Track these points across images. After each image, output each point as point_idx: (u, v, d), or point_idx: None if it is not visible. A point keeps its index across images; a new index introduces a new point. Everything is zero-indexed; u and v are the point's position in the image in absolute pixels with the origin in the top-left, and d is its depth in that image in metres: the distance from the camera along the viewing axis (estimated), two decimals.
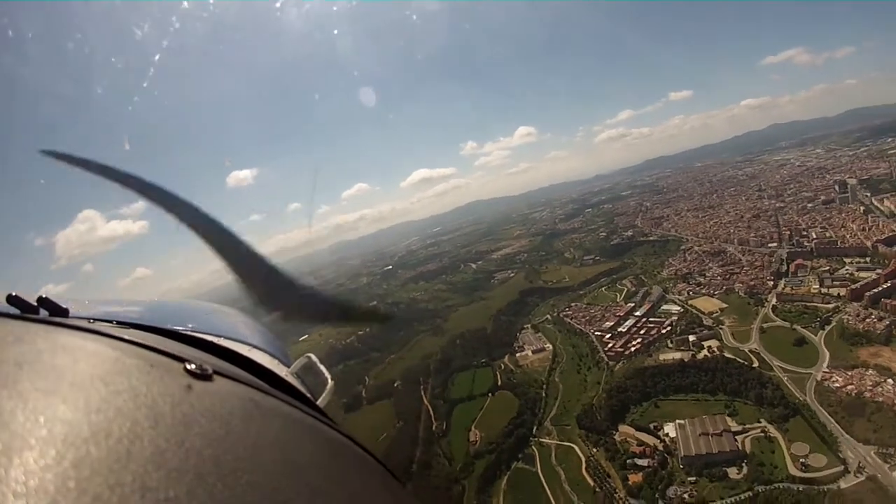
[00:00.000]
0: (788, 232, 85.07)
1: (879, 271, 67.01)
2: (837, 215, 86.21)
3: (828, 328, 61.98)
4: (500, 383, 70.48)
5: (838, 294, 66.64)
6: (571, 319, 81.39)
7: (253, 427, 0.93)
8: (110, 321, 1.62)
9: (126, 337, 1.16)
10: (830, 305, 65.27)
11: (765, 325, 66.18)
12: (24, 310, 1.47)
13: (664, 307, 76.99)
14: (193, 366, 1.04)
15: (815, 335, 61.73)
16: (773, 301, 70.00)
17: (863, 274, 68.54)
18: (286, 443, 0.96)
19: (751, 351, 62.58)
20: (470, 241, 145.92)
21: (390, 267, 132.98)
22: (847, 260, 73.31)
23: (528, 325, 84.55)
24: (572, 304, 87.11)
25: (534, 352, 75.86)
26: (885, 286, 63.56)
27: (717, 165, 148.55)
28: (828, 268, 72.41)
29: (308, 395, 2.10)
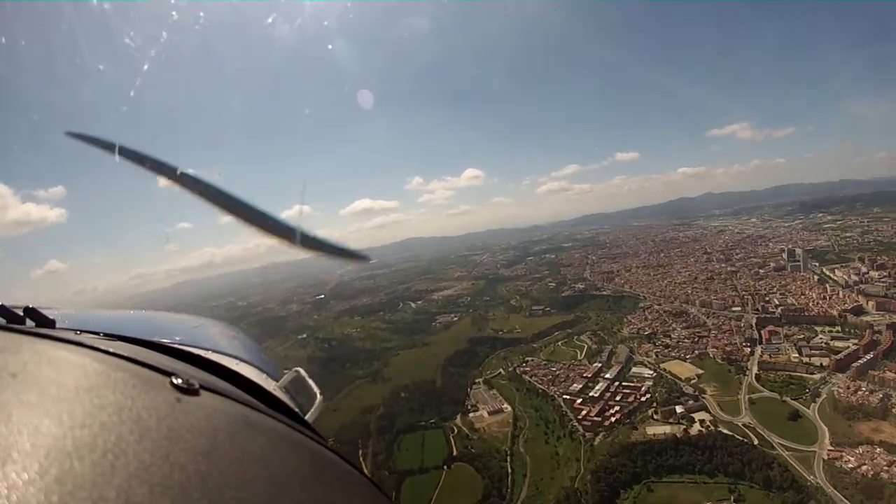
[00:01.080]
0: (750, 297, 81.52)
1: (854, 342, 65.14)
2: (793, 282, 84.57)
3: (819, 400, 57.58)
4: (455, 452, 57.72)
5: (821, 364, 62.89)
6: (530, 377, 70.88)
7: (239, 442, 0.90)
8: (97, 333, 1.53)
9: (112, 350, 1.12)
10: (816, 376, 61.18)
11: (753, 396, 59.47)
12: (9, 320, 1.46)
13: (634, 370, 68.70)
14: (180, 380, 1.02)
15: (808, 408, 56.84)
16: (755, 369, 63.86)
17: (838, 343, 66.05)
18: (273, 458, 0.92)
19: (745, 425, 55.98)
20: (408, 277, 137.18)
21: (323, 296, 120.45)
22: (818, 328, 70.04)
23: (480, 380, 73.42)
24: (528, 359, 77.11)
25: (490, 413, 64.37)
26: (867, 358, 61.04)
27: (654, 226, 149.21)
28: (802, 336, 68.54)
29: (296, 410, 2.04)
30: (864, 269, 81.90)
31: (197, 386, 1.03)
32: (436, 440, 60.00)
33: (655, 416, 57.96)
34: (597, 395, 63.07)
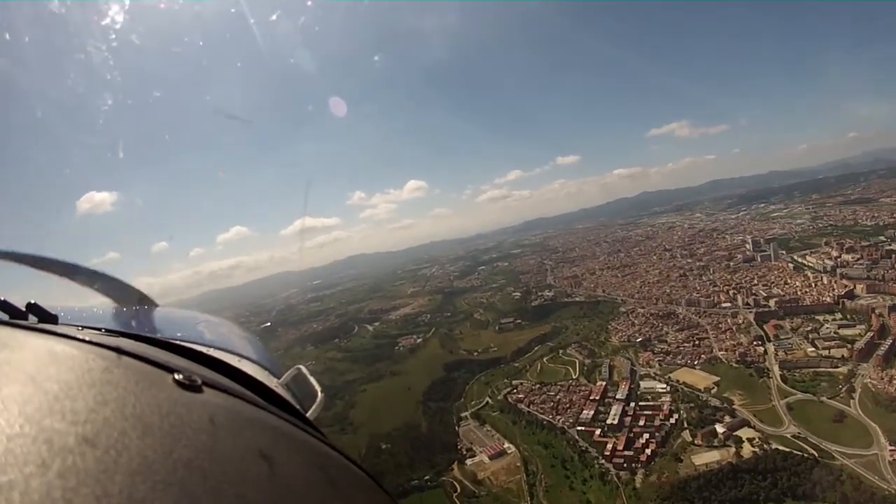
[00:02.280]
0: (734, 291, 75.98)
1: (862, 328, 61.21)
2: (769, 272, 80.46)
3: (856, 395, 51.88)
4: None
5: (842, 356, 57.46)
6: (527, 405, 59.65)
7: (241, 439, 0.91)
8: (99, 329, 1.53)
9: (115, 346, 1.11)
10: (842, 369, 55.71)
11: (790, 401, 52.37)
12: (12, 315, 1.46)
13: (643, 384, 59.68)
14: (182, 376, 1.02)
15: (849, 406, 50.85)
16: (777, 370, 57.00)
17: (847, 332, 61.44)
18: (275, 455, 0.92)
19: (795, 436, 48.22)
20: (357, 297, 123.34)
21: (269, 324, 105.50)
22: (819, 318, 64.99)
23: (467, 413, 61.58)
24: (515, 383, 66.05)
25: (492, 457, 52.47)
26: (889, 344, 56.62)
27: (600, 227, 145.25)
28: (810, 327, 63.03)
29: (298, 408, 2.03)
30: (835, 254, 79.31)
31: (199, 382, 1.02)
32: (436, 502, 47.00)
33: (697, 442, 48.65)
34: (615, 421, 52.93)
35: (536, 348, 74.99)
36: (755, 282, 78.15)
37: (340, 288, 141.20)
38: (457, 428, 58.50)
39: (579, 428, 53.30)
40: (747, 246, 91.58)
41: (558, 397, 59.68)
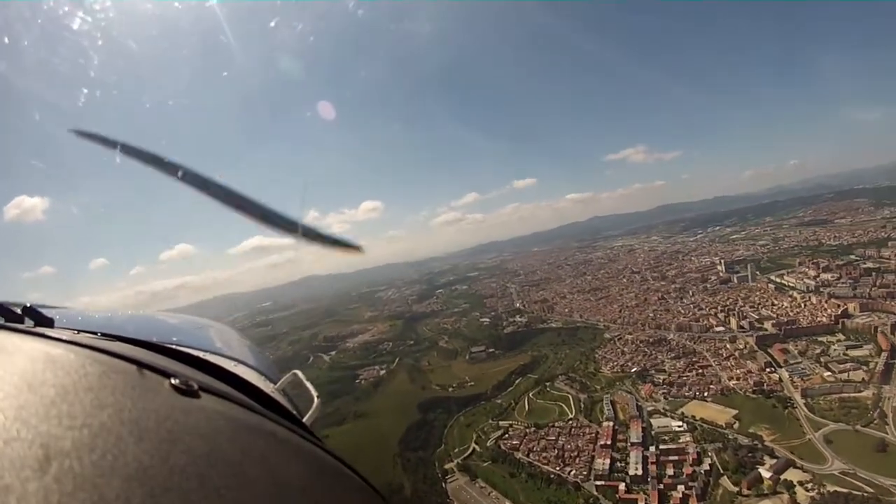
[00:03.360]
0: (723, 314, 70.75)
1: (869, 347, 57.44)
2: (752, 294, 76.18)
3: (889, 420, 47.11)
4: None
5: (862, 379, 52.73)
6: (526, 454, 49.78)
7: (238, 444, 0.90)
8: (96, 333, 1.51)
9: (112, 350, 1.11)
10: (866, 393, 50.91)
11: (826, 433, 46.15)
12: (8, 319, 1.47)
13: (655, 423, 51.71)
14: (179, 381, 1.01)
15: (887, 433, 45.84)
16: (800, 398, 50.91)
17: (856, 352, 57.33)
18: (271, 460, 0.92)
19: (844, 473, 41.97)
20: (310, 321, 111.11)
21: None
22: (822, 339, 60.40)
23: (454, 464, 51.31)
24: (503, 424, 56.03)
25: None
26: None
27: (556, 251, 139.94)
28: (818, 350, 58.08)
29: (294, 413, 2.01)
30: (813, 273, 76.39)
31: (196, 388, 1.02)
32: None
33: (744, 491, 40.58)
34: (639, 471, 44.16)
35: (518, 381, 65.94)
36: (741, 303, 73.35)
37: (293, 311, 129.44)
38: (444, 485, 47.61)
39: (597, 482, 43.99)
40: (719, 267, 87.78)
41: (560, 442, 50.31)
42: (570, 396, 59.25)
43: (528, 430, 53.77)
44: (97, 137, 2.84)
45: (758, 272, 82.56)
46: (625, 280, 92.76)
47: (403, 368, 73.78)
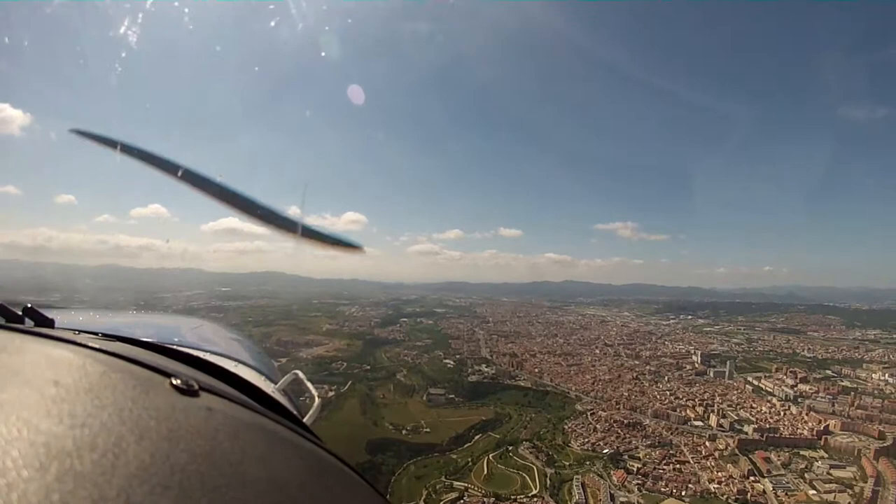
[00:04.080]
0: (701, 408, 66.59)
1: (852, 469, 54.08)
2: (728, 391, 72.60)
3: None
4: None
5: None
6: None
7: (238, 444, 0.89)
8: (96, 333, 1.53)
9: (112, 350, 1.12)
10: None
11: None
12: (8, 319, 1.47)
13: None
14: (179, 381, 1.01)
15: None
16: None
17: (839, 473, 53.55)
18: (272, 460, 0.92)
19: None
20: (265, 318, 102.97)
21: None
22: (804, 453, 56.94)
23: None
24: (459, 486, 49.20)
25: None
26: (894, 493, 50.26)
27: (527, 305, 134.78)
28: (802, 465, 54.31)
29: (295, 413, 2.03)
30: (790, 382, 73.84)
31: (196, 387, 1.02)
32: None
33: None
34: None
35: (478, 438, 58.99)
36: (717, 399, 69.46)
37: (251, 303, 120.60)
38: None
39: None
40: (695, 357, 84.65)
41: None
42: (534, 468, 52.77)
43: (485, 500, 46.80)
44: (96, 137, 2.77)
45: (734, 372, 79.83)
46: (598, 351, 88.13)
47: (356, 395, 66.10)
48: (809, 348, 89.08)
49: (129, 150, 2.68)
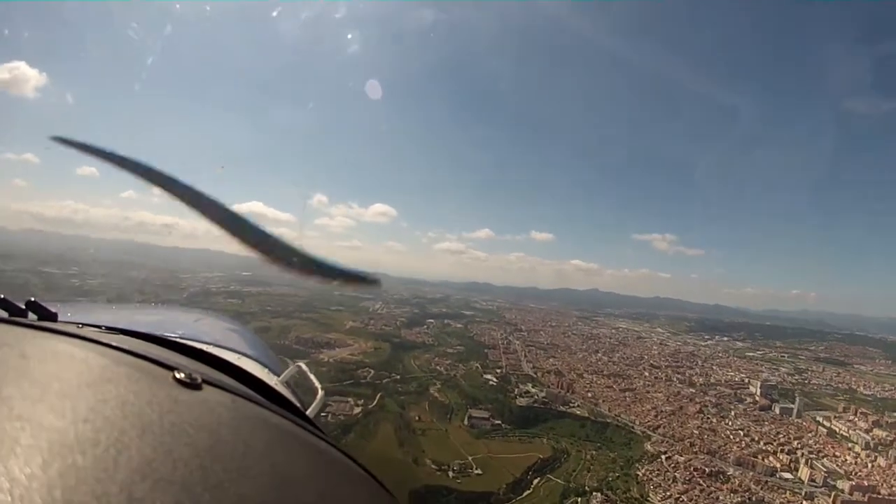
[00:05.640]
0: (784, 455, 58.75)
1: None
2: (803, 434, 64.88)
3: None
4: None
5: None
6: None
7: (242, 437, 0.91)
8: (99, 327, 1.57)
9: (115, 343, 1.13)
10: None
11: None
12: (11, 313, 1.48)
13: None
14: (182, 374, 1.02)
15: None
16: None
17: None
18: (275, 453, 0.92)
19: None
20: (285, 309, 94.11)
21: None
22: None
23: None
24: None
25: None
26: None
27: (556, 314, 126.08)
28: None
29: (298, 405, 2.04)
30: (863, 425, 66.63)
31: (200, 380, 1.02)
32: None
33: None
34: None
35: (536, 482, 50.06)
36: (795, 444, 61.75)
37: (269, 292, 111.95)
38: None
39: None
40: (753, 388, 76.98)
41: None
42: None
43: None
44: (79, 145, 2.59)
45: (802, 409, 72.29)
46: (647, 374, 79.70)
47: (388, 416, 56.81)
48: (865, 384, 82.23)
49: (112, 158, 2.44)
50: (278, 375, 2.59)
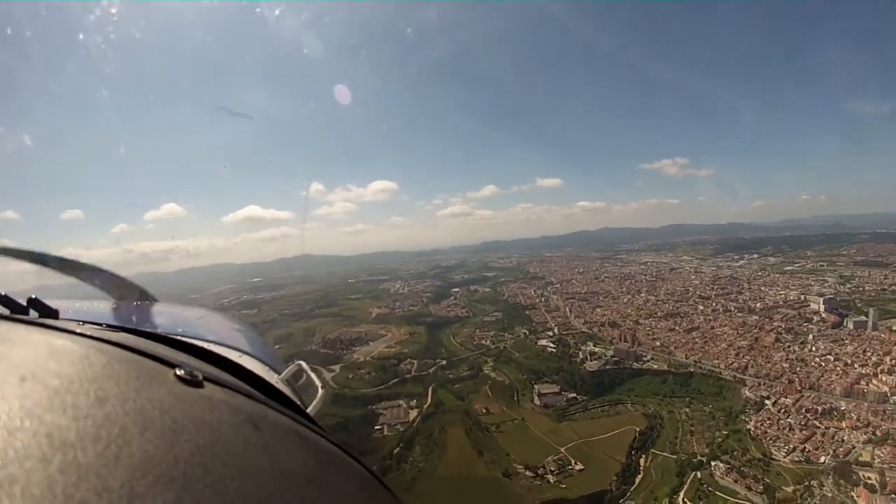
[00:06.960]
0: (892, 378, 52.86)
1: None
2: (891, 348, 59.20)
3: None
4: None
5: None
6: None
7: (243, 434, 0.90)
8: (100, 324, 1.50)
9: (116, 340, 1.11)
10: None
11: None
12: (13, 310, 1.47)
13: None
14: (183, 371, 1.01)
15: None
16: None
17: None
18: (276, 451, 0.91)
19: None
20: (303, 307, 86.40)
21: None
22: None
23: None
24: None
25: None
26: None
27: (575, 259, 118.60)
28: None
29: (298, 403, 2.02)
30: None
31: (200, 378, 1.02)
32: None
33: None
34: None
35: (644, 462, 43.18)
36: (887, 360, 56.03)
37: (285, 292, 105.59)
38: None
39: None
40: (815, 306, 71.22)
41: None
42: None
43: None
44: (19, 253, 2.69)
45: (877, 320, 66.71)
46: (701, 307, 73.30)
47: (451, 416, 49.04)
48: None
49: (49, 262, 2.59)
50: (279, 373, 2.54)
